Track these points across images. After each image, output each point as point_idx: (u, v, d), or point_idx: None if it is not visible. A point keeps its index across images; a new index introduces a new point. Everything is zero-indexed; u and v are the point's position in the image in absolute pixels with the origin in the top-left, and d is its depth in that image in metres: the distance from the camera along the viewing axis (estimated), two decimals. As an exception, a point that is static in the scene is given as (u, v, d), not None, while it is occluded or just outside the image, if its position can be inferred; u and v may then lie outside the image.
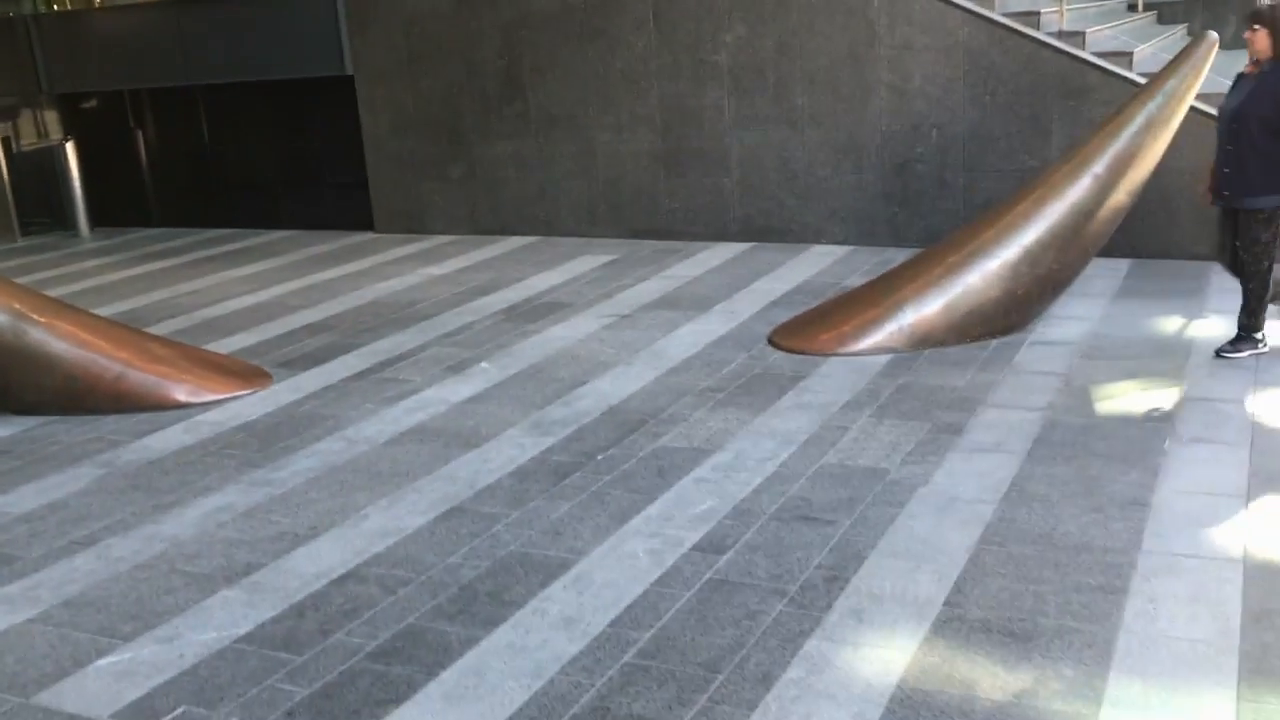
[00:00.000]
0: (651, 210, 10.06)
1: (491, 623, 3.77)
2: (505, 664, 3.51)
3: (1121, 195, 6.61)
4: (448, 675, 3.47)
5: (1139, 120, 6.54)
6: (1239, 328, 6.04)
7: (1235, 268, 6.07)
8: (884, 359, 6.38)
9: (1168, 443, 4.95)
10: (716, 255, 9.39)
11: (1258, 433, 4.99)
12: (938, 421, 5.38)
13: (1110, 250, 7.86)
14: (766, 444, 5.23)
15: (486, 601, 3.91)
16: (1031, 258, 6.55)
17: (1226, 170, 5.86)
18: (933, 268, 6.70)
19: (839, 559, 4.06)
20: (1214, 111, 7.87)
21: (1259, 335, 6.01)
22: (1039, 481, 4.63)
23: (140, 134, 13.04)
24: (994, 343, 6.55)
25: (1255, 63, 5.83)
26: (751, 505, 4.57)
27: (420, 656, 3.59)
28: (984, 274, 6.55)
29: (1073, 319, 6.91)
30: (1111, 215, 6.67)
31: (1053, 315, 6.98)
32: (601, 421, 5.67)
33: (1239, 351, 5.99)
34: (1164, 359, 6.08)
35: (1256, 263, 5.90)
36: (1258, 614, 3.51)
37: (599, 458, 5.19)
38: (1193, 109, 7.58)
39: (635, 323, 7.51)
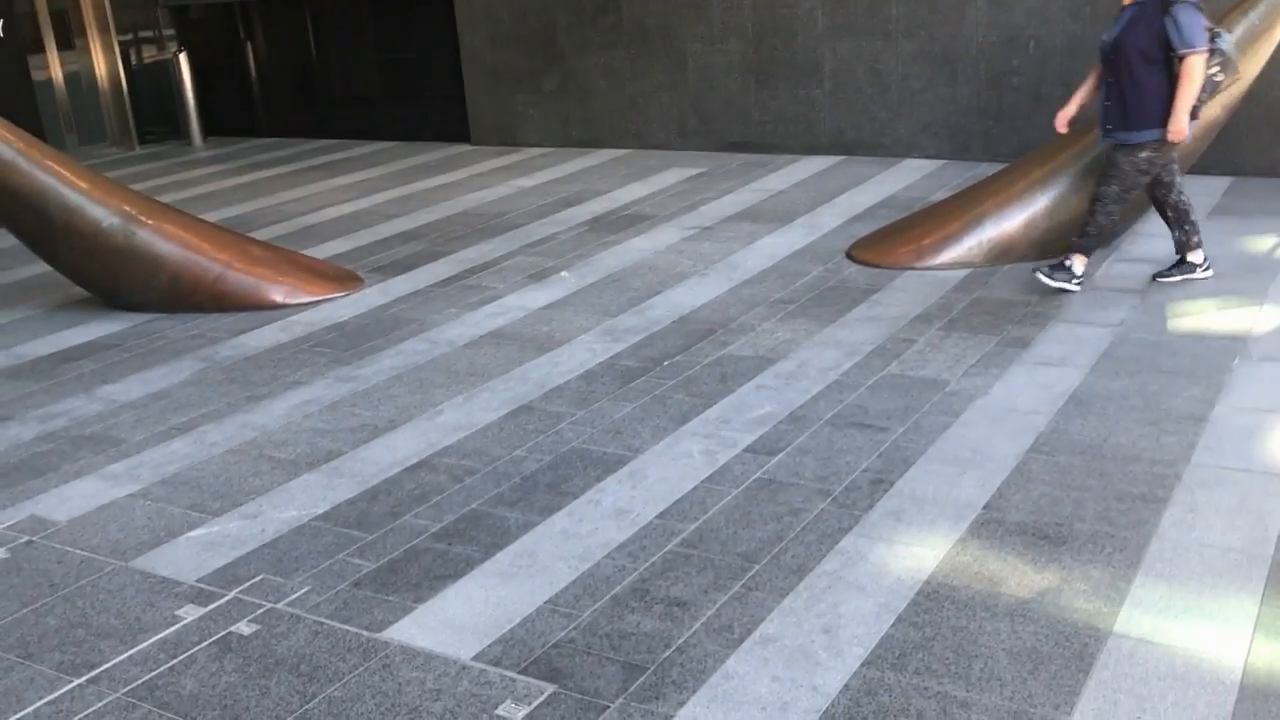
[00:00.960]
0: (742, 122, 10.05)
1: (548, 510, 3.99)
2: (557, 547, 3.74)
3: (1216, 109, 6.40)
4: (503, 556, 3.71)
5: (1237, 32, 6.31)
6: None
7: (1155, 202, 6.04)
8: (961, 274, 6.38)
9: (1237, 360, 4.90)
10: (805, 168, 9.36)
11: (1333, 353, 4.91)
12: (1006, 335, 5.40)
13: (1210, 167, 7.65)
14: (830, 354, 5.32)
15: (545, 491, 4.14)
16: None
17: (1108, 103, 5.66)
18: (1016, 181, 6.62)
19: (886, 464, 4.17)
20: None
21: (1197, 260, 5.95)
22: (1098, 395, 4.64)
23: (250, 46, 13.42)
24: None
25: None
26: (808, 411, 4.69)
27: (480, 538, 3.83)
28: (1068, 189, 6.46)
29: (1160, 236, 6.76)
30: (1204, 131, 6.47)
31: (1140, 232, 6.85)
32: (671, 329, 5.82)
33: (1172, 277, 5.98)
34: (1249, 278, 5.95)
35: (1103, 201, 5.78)
36: (1298, 527, 3.53)
37: (665, 363, 5.35)
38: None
39: (715, 235, 7.60)
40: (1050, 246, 6.48)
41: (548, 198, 9.04)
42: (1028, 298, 5.89)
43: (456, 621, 3.36)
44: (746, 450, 4.36)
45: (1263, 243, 6.56)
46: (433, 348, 5.81)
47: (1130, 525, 3.61)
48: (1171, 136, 5.53)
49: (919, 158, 9.31)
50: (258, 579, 3.68)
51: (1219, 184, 7.82)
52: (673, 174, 9.55)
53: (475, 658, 3.17)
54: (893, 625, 3.18)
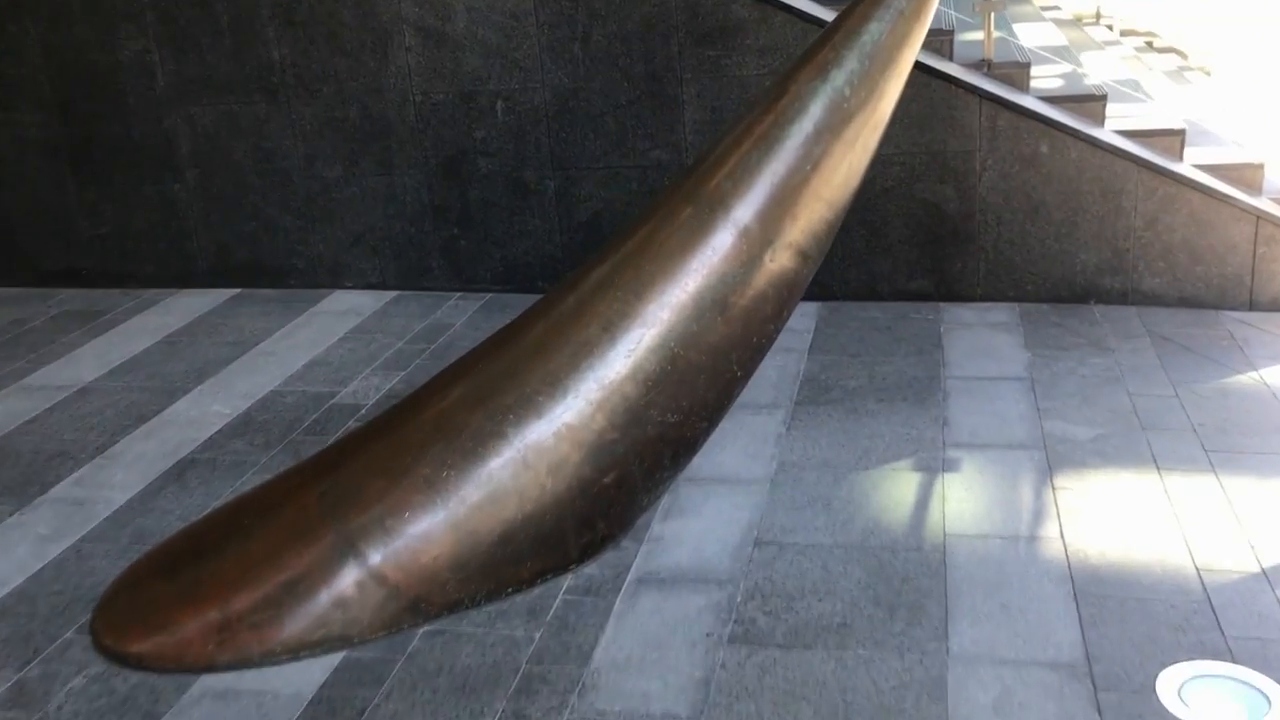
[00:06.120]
0: (63, 240, 6.02)
1: None
2: None
3: (784, 257, 3.28)
4: None
5: (815, 111, 3.20)
6: None
7: None
8: (319, 675, 2.85)
9: None
10: (163, 319, 5.52)
11: None
12: None
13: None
14: None
15: None
16: (627, 409, 3.14)
17: None
18: (427, 445, 3.15)
19: None
20: (945, 69, 4.75)
21: None
22: None
23: None
24: (565, 585, 3.16)
25: None
26: None
27: None
28: (528, 452, 3.08)
29: (716, 489, 3.61)
30: (775, 303, 3.34)
31: (686, 480, 3.66)
32: None
33: None
34: (889, 636, 2.84)
35: None
36: None
37: None
38: (920, 66, 4.44)
39: None
40: (511, 573, 3.11)
41: None
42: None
43: None
44: None
45: (900, 486, 3.53)
46: None
47: None
48: None
49: (353, 288, 5.74)
50: None
51: (804, 314, 4.86)
52: (-86, 350, 5.36)
53: None
54: None
